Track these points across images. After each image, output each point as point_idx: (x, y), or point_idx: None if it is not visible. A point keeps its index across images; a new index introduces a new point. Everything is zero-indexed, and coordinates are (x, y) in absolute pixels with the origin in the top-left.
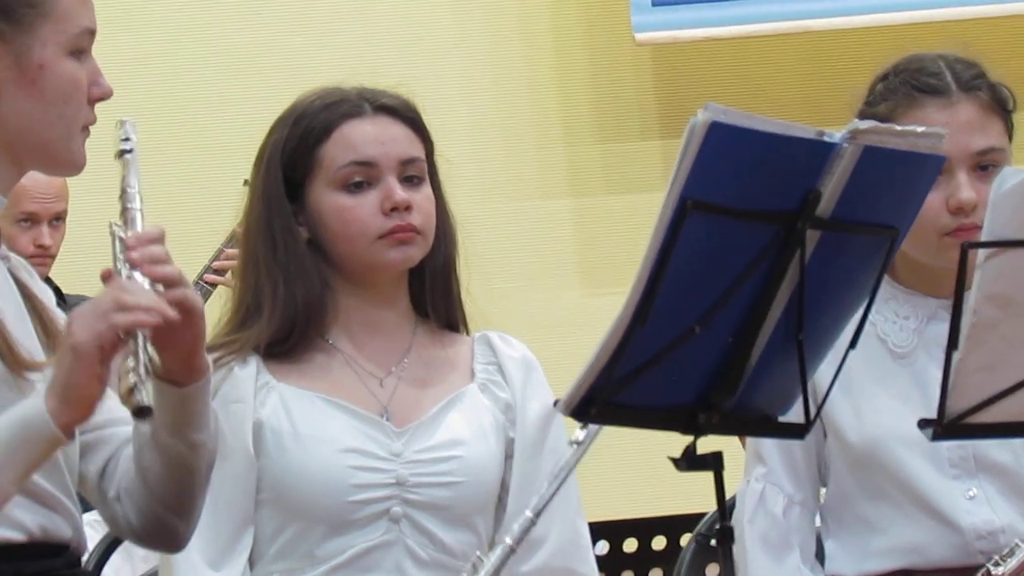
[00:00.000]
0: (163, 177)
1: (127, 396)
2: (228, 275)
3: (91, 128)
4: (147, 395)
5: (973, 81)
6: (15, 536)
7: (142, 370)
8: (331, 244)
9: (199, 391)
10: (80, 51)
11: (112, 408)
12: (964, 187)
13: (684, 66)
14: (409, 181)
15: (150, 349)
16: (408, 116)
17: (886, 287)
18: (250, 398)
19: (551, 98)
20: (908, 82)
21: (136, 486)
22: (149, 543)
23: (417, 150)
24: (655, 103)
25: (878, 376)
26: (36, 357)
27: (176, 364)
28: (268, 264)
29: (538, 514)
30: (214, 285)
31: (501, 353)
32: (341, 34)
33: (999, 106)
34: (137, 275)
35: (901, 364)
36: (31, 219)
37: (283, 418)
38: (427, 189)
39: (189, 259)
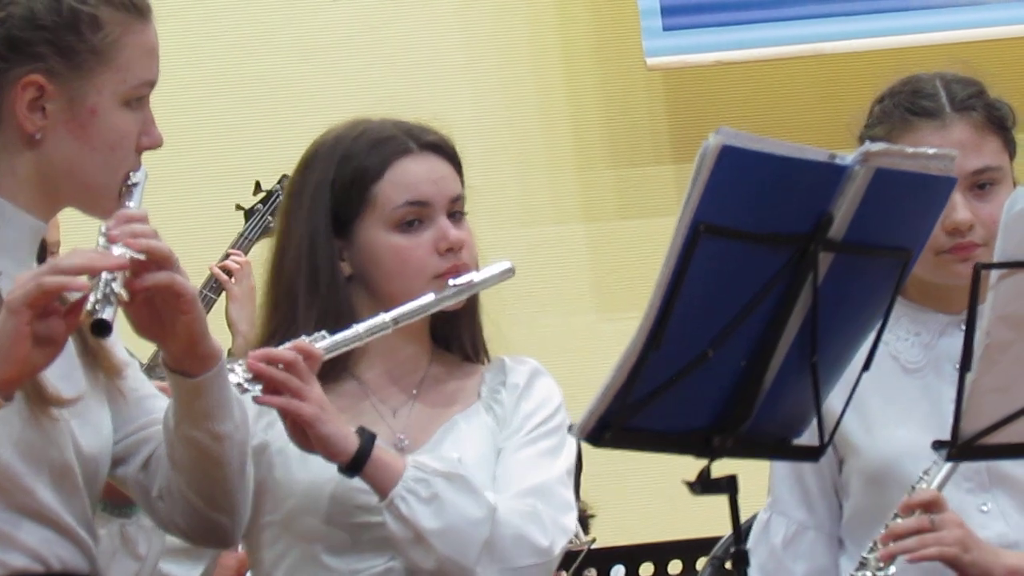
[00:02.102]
0: (172, 204)
1: (86, 318)
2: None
3: None
4: (107, 313)
5: (968, 101)
6: (33, 567)
7: (100, 294)
8: (382, 281)
9: (212, 381)
10: (137, 99)
11: (154, 408)
12: (959, 208)
13: (696, 90)
14: (453, 217)
15: (117, 286)
16: (450, 153)
17: (897, 305)
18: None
19: (563, 124)
20: (902, 104)
21: (173, 483)
22: (199, 541)
23: (460, 187)
24: (667, 127)
25: (889, 392)
26: (70, 387)
27: (180, 352)
28: (307, 299)
29: (396, 321)
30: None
31: (509, 371)
32: (350, 62)
33: (996, 124)
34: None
35: (912, 378)
36: None
37: (291, 441)
38: (467, 224)
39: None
